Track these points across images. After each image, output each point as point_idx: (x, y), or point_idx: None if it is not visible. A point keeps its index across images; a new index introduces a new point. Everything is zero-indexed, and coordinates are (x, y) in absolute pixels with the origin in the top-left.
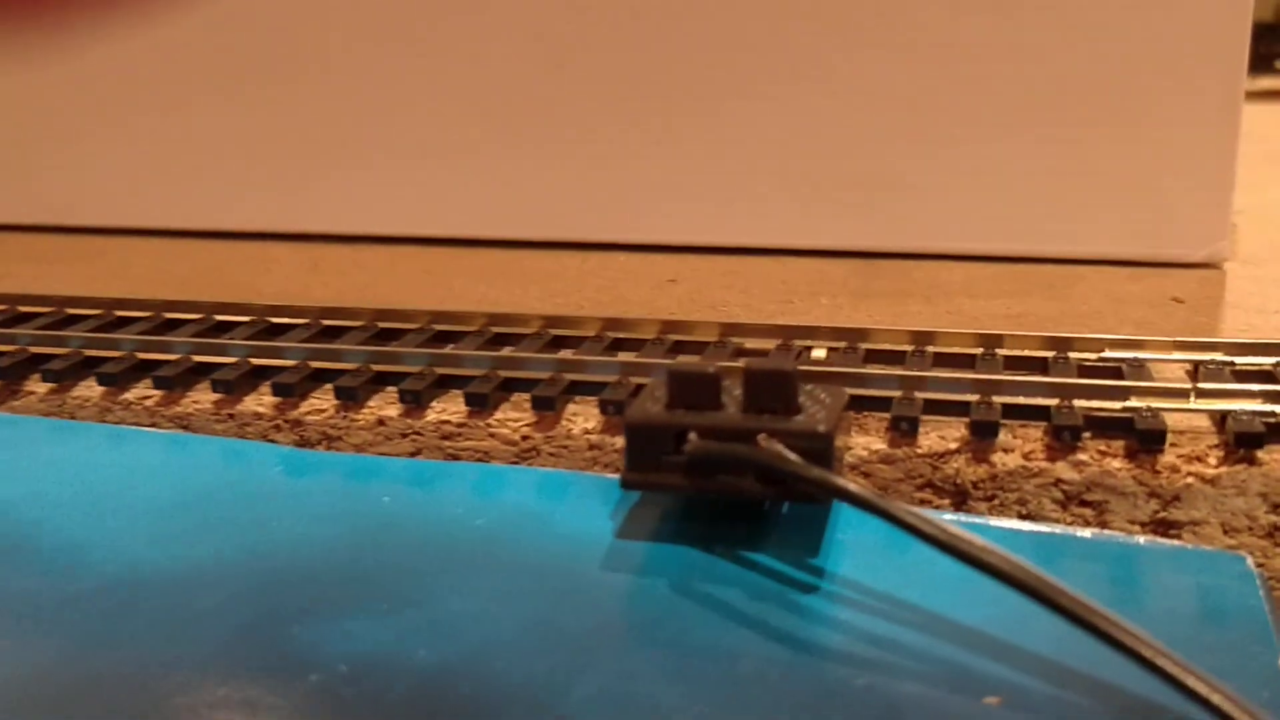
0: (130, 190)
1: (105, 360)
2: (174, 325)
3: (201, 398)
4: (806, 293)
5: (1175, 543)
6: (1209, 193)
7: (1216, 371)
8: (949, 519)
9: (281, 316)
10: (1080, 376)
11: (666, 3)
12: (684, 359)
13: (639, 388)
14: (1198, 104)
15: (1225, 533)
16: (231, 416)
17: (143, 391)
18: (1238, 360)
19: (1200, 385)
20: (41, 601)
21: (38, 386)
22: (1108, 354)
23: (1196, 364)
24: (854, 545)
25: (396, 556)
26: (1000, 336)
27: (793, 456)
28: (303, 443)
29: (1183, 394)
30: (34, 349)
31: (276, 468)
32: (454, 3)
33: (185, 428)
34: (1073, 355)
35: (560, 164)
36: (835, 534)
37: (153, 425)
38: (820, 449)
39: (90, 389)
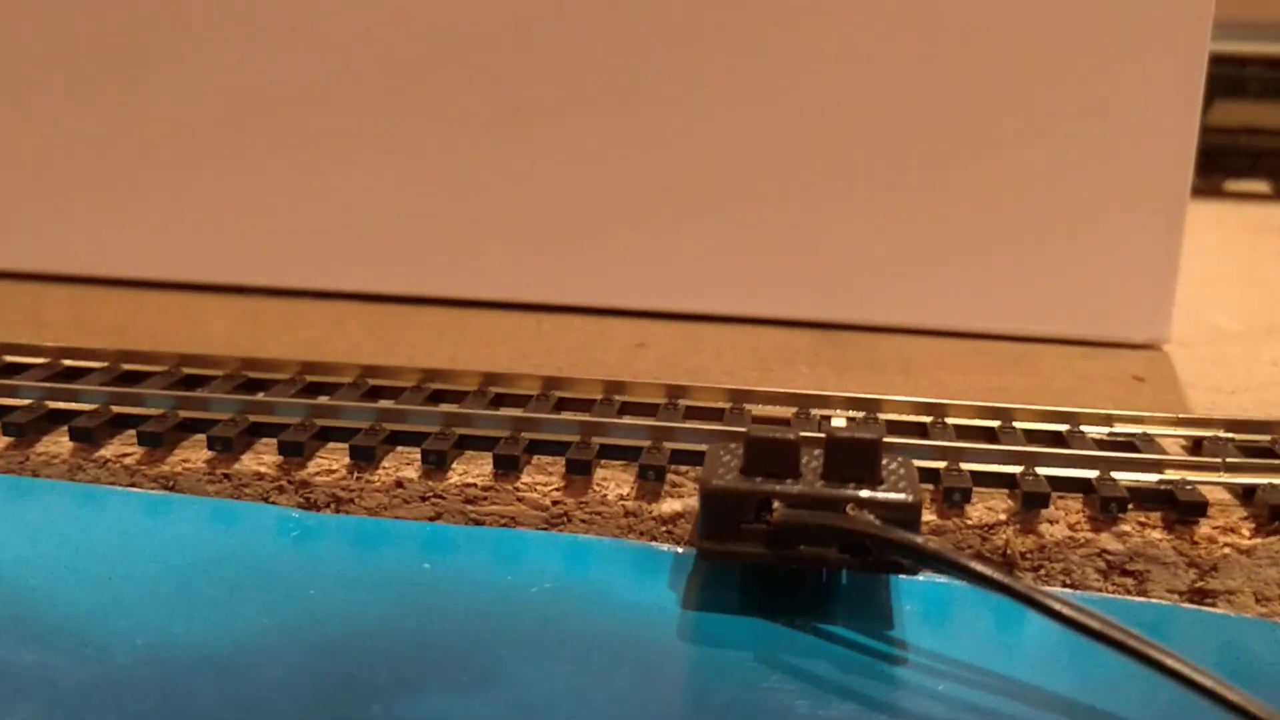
0: (38, 231)
1: (75, 413)
2: (137, 378)
3: (192, 456)
4: (781, 361)
5: (1218, 610)
6: (1155, 280)
7: (1222, 446)
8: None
9: (259, 371)
10: (1100, 449)
11: (631, 66)
12: (756, 425)
13: (673, 454)
14: (1147, 195)
15: (1258, 601)
16: (228, 477)
17: (121, 448)
18: (1237, 436)
19: (1229, 460)
20: (67, 680)
21: None
22: (1118, 428)
23: (1198, 439)
24: (922, 615)
25: (459, 626)
26: (1010, 410)
27: (898, 530)
28: (309, 505)
29: (1213, 467)
30: None
31: (291, 532)
32: (412, 53)
33: (171, 489)
34: (1085, 429)
35: (517, 223)
36: (902, 604)
37: (132, 485)
38: (910, 519)
39: (58, 444)
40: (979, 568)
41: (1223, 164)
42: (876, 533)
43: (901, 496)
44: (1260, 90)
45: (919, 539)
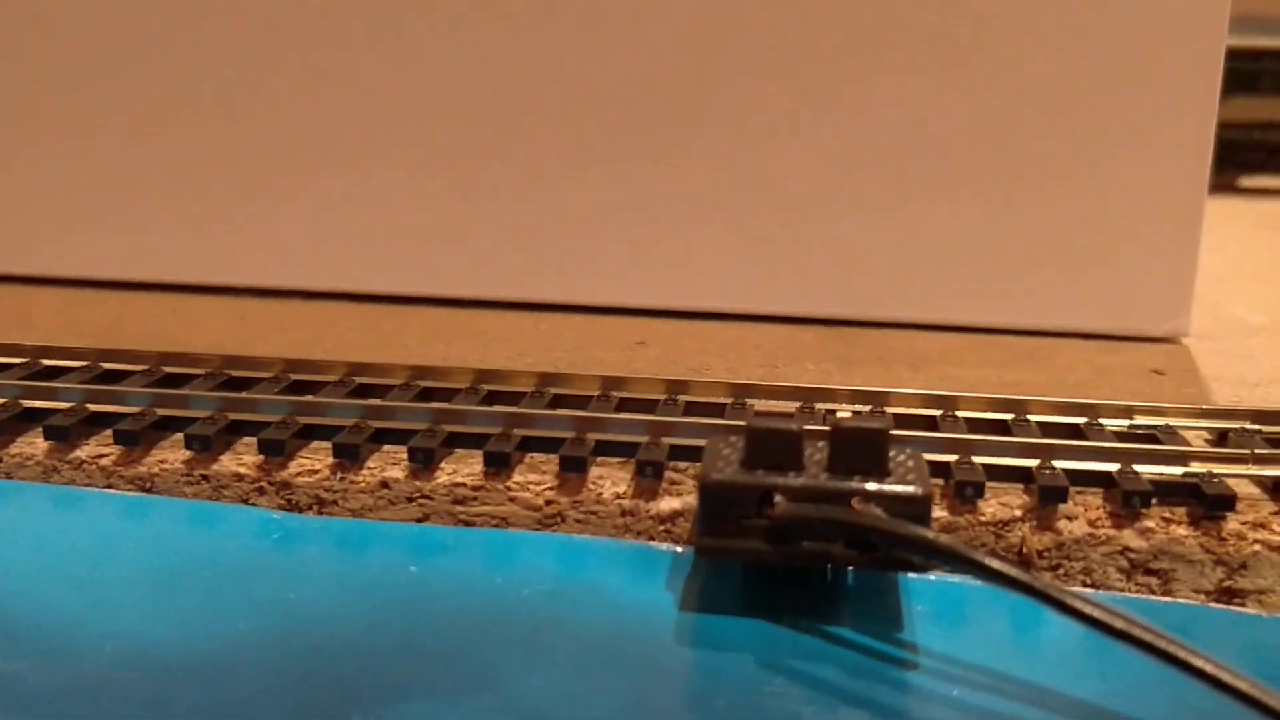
0: (27, 234)
1: (50, 412)
2: (117, 377)
3: (169, 456)
4: (786, 358)
5: (1248, 610)
6: (1174, 270)
7: (1249, 438)
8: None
9: (242, 369)
10: (1122, 442)
11: (632, 58)
12: (759, 415)
13: (672, 449)
14: (1165, 184)
15: None
16: (206, 478)
17: (97, 449)
18: (1264, 428)
19: (1257, 451)
20: (36, 687)
21: None
22: (1138, 420)
23: (1223, 431)
24: (934, 616)
25: (447, 630)
26: (1024, 402)
27: (908, 524)
28: (290, 507)
29: (1241, 459)
30: None
31: (272, 535)
32: (408, 48)
33: (148, 490)
34: (1104, 421)
35: (515, 221)
36: (912, 604)
37: (109, 487)
38: (919, 513)
39: (33, 444)
40: (995, 564)
41: (1237, 159)
42: (884, 527)
43: (910, 489)
44: (1274, 85)
45: (929, 534)
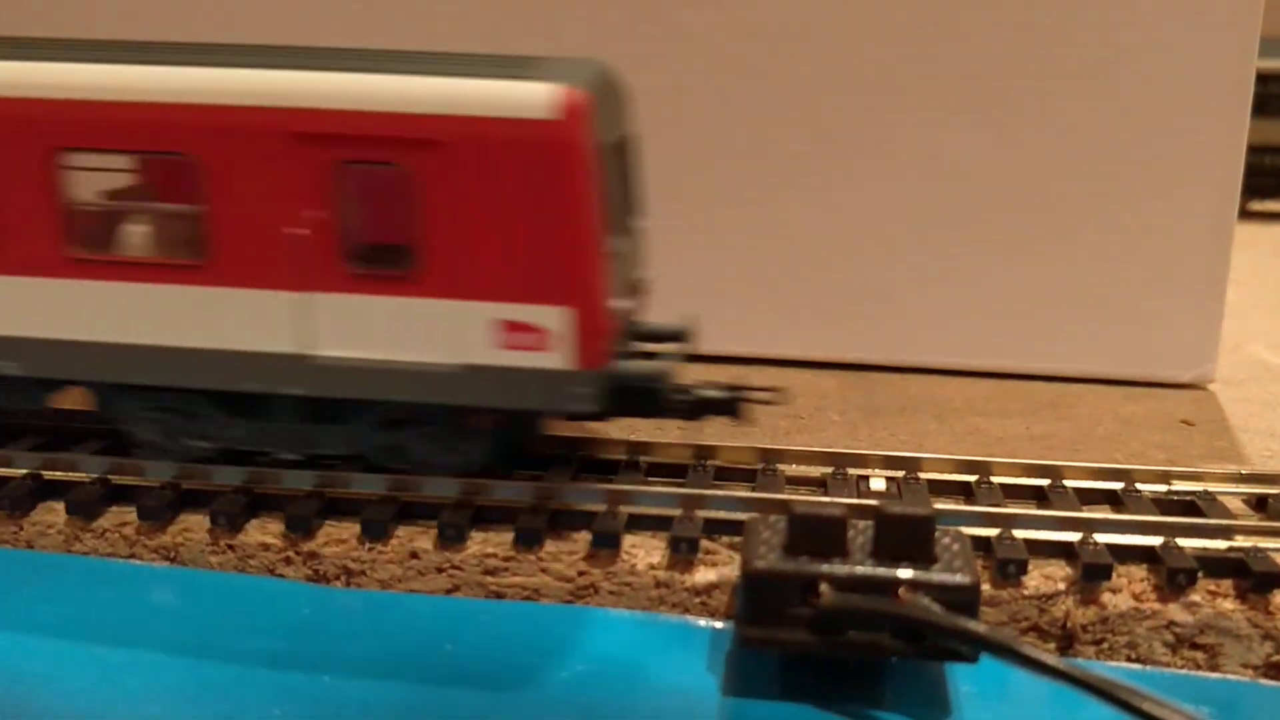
0: None
1: (71, 485)
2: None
3: (193, 524)
4: (810, 408)
5: None
6: (1199, 315)
7: None
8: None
9: None
10: (1163, 513)
11: (651, 103)
12: (800, 499)
13: (706, 522)
14: (1191, 228)
15: None
16: (232, 548)
17: (119, 517)
18: None
19: None
20: None
21: None
22: (1176, 485)
23: (1262, 497)
24: (980, 697)
25: (487, 716)
26: (1059, 468)
27: (960, 618)
28: (318, 578)
29: None
30: None
31: (302, 610)
32: None
33: (172, 560)
34: (1141, 488)
35: None
36: (958, 685)
37: (131, 556)
38: (967, 601)
39: (54, 512)
40: (1052, 662)
41: (1247, 183)
42: (936, 621)
43: (959, 578)
44: None
45: (983, 628)
